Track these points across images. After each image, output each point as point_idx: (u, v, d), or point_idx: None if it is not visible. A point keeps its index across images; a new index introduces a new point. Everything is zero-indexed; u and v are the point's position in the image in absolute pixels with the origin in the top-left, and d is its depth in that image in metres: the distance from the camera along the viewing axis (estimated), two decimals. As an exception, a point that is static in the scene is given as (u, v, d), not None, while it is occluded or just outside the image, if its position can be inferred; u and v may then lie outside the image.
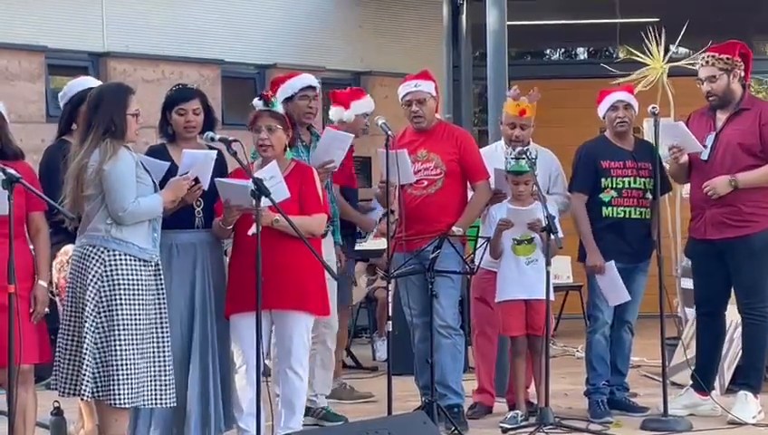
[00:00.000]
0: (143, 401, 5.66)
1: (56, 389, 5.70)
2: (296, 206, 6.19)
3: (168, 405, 5.79)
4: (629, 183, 7.39)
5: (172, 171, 6.04)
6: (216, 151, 6.14)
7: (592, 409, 7.37)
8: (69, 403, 6.05)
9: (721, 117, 7.25)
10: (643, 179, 7.41)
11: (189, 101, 6.31)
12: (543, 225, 6.96)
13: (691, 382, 7.47)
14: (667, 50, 9.23)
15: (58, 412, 6.14)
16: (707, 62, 7.22)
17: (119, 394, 5.54)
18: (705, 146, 7.20)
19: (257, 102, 6.32)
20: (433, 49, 12.63)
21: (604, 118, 7.54)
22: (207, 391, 6.21)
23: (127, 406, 5.60)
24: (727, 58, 7.18)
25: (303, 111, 7.31)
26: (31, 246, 5.78)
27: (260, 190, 5.76)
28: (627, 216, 7.38)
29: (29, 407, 5.66)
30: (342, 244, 7.68)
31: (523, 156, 7.09)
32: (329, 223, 7.35)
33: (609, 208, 7.39)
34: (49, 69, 10.93)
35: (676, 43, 9.52)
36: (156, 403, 5.73)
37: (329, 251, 7.32)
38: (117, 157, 5.58)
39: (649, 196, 7.42)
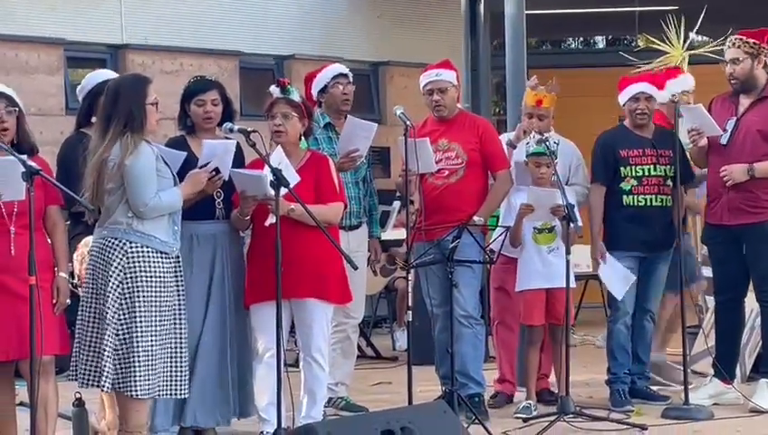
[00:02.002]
0: (159, 392, 5.67)
1: (75, 380, 5.72)
2: (312, 195, 6.20)
3: (182, 396, 5.81)
4: (649, 171, 7.36)
5: (191, 162, 6.05)
6: (235, 142, 6.15)
7: (613, 398, 7.36)
8: (90, 394, 6.07)
9: (744, 102, 7.23)
10: (663, 167, 7.38)
11: (207, 91, 6.34)
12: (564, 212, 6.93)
13: (713, 372, 7.45)
14: (686, 38, 9.20)
15: (79, 403, 6.16)
16: (734, 43, 7.20)
17: (137, 385, 5.55)
18: (725, 130, 7.18)
19: (274, 89, 6.33)
20: (451, 38, 12.61)
21: (624, 106, 7.51)
22: (214, 379, 6.24)
23: (144, 397, 5.62)
24: (754, 43, 7.15)
25: (340, 99, 7.31)
26: (48, 239, 5.79)
27: (279, 180, 5.76)
28: (648, 204, 7.35)
29: (50, 398, 5.67)
30: (380, 237, 7.67)
31: (542, 143, 7.08)
32: (364, 215, 7.36)
33: (630, 197, 7.36)
34: (68, 62, 10.96)
35: (694, 30, 9.49)
36: (171, 394, 5.75)
37: (361, 242, 7.32)
38: (138, 151, 5.58)
39: (670, 183, 7.39)
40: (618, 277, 7.28)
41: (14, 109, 5.69)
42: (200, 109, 6.34)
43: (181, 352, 5.74)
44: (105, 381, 5.56)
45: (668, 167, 7.38)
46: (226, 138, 6.27)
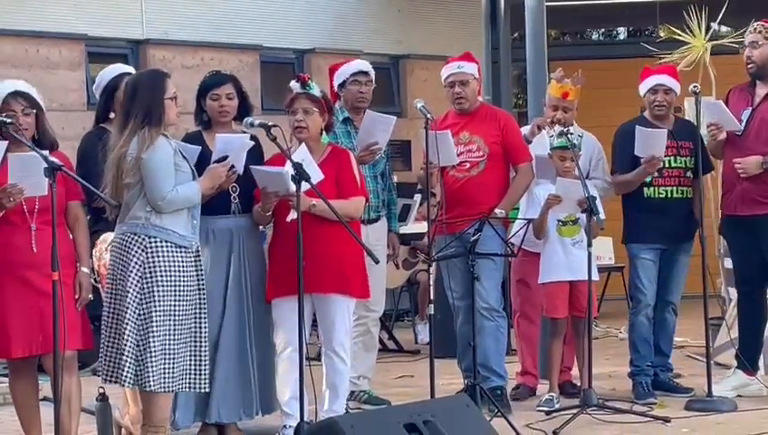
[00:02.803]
0: (179, 386, 5.69)
1: (100, 375, 5.75)
2: (333, 189, 6.20)
3: (201, 390, 5.83)
4: (669, 162, 7.32)
5: (207, 157, 6.06)
6: (248, 136, 6.16)
7: (636, 390, 7.34)
8: (114, 389, 6.09)
9: (760, 93, 7.21)
10: (683, 158, 7.35)
11: (222, 85, 6.35)
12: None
13: (736, 363, 7.43)
14: (708, 28, 9.16)
15: (103, 398, 6.17)
16: (755, 28, 7.23)
17: (154, 380, 5.58)
18: (740, 121, 7.16)
19: (294, 85, 6.34)
20: (471, 31, 12.58)
21: (644, 97, 7.49)
22: (236, 374, 6.26)
23: (159, 392, 5.63)
24: None
25: (355, 97, 7.30)
26: (70, 235, 5.80)
27: (300, 175, 5.76)
28: (668, 196, 7.33)
29: (74, 393, 5.69)
30: (398, 231, 7.67)
31: (564, 135, 7.05)
32: (383, 209, 7.36)
33: (651, 189, 7.33)
34: (89, 57, 10.99)
35: (717, 20, 9.44)
36: (191, 388, 5.76)
37: (380, 236, 7.31)
38: (155, 145, 5.60)
39: (690, 175, 7.37)
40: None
41: (32, 111, 5.70)
42: (215, 103, 6.35)
43: (202, 347, 5.76)
44: (126, 377, 5.59)
45: (688, 158, 7.36)
46: (243, 132, 6.28)
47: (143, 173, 5.60)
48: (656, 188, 7.33)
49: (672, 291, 7.46)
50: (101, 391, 6.11)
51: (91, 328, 5.82)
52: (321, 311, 6.33)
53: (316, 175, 5.95)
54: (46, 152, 5.40)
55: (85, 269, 5.75)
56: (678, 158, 7.35)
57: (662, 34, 9.59)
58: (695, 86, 7.23)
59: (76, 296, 5.68)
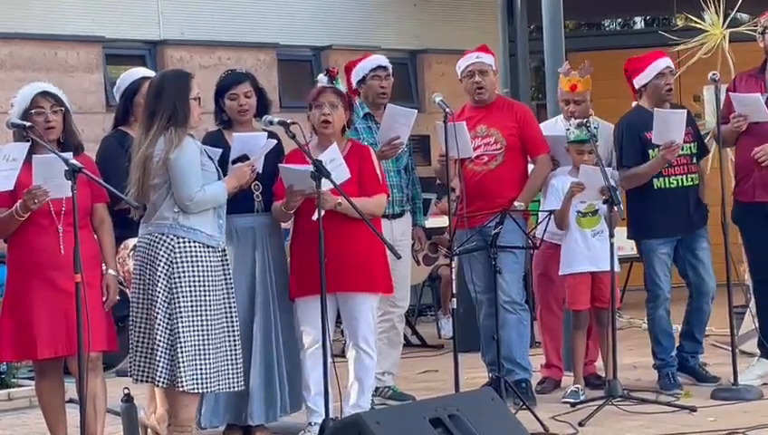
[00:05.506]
0: (213, 386, 5.70)
1: (131, 376, 5.77)
2: (356, 186, 6.19)
3: (237, 389, 5.84)
4: None
5: (227, 156, 6.06)
6: (266, 134, 6.16)
7: (662, 381, 7.31)
8: (139, 389, 6.10)
9: (772, 79, 7.19)
10: (687, 145, 7.25)
11: (240, 84, 6.35)
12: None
13: (759, 352, 7.40)
14: (725, 16, 9.12)
15: (128, 399, 6.19)
16: None
17: (188, 380, 5.58)
18: None
19: (322, 78, 6.34)
20: (488, 24, 12.58)
21: (646, 86, 7.35)
22: (272, 373, 6.27)
23: (197, 391, 5.64)
24: None
25: (377, 92, 7.29)
26: (95, 237, 5.82)
27: (320, 172, 5.76)
28: (680, 184, 7.25)
29: (99, 394, 5.71)
30: (423, 225, 7.66)
31: (583, 127, 7.03)
32: (407, 203, 7.35)
33: (661, 179, 7.24)
34: (107, 59, 11.03)
35: (735, 8, 9.39)
36: (226, 387, 5.77)
37: (405, 230, 7.31)
38: (182, 146, 5.60)
39: (695, 161, 7.30)
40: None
41: (60, 109, 5.72)
42: (234, 103, 6.36)
43: (235, 345, 5.76)
44: (160, 377, 5.60)
45: (692, 144, 7.29)
46: (265, 130, 6.28)
47: (171, 174, 5.60)
48: (666, 179, 7.24)
49: (705, 279, 7.32)
50: (126, 391, 6.13)
51: (115, 330, 5.82)
52: (344, 309, 6.33)
53: (344, 174, 5.96)
54: (69, 154, 5.40)
55: (111, 272, 5.75)
56: (684, 145, 7.27)
57: (679, 23, 9.53)
58: (714, 74, 7.18)
59: (103, 299, 5.70)
